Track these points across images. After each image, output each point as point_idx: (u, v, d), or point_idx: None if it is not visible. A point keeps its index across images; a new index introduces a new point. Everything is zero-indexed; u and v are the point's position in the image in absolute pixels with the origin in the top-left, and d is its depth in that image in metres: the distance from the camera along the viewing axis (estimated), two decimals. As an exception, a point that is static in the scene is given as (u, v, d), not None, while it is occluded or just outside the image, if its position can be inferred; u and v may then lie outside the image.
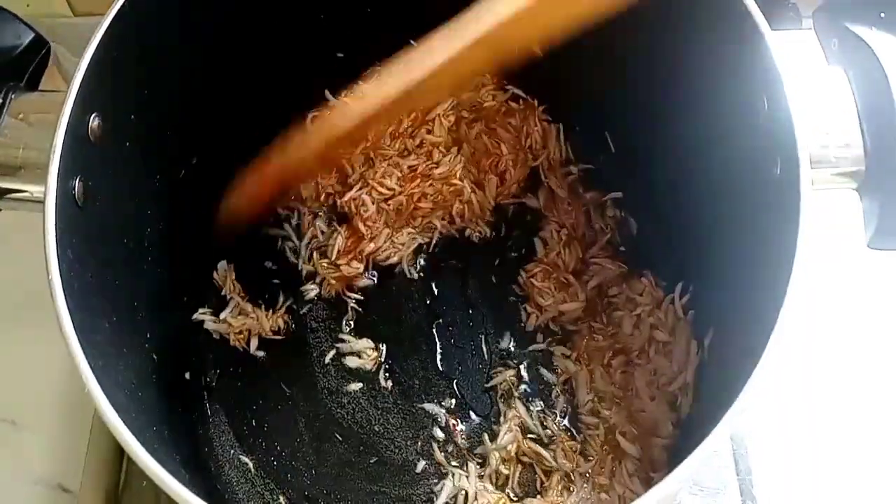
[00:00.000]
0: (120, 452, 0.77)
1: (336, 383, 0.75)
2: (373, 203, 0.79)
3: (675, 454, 0.64)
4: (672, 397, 0.67)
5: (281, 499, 0.69)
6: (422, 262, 0.80)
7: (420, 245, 0.80)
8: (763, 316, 0.45)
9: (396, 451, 0.71)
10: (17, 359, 0.84)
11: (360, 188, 0.80)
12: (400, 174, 0.80)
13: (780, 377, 0.75)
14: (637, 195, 0.77)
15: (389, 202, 0.80)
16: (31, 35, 0.62)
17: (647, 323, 0.71)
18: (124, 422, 0.46)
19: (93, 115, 0.56)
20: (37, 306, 0.78)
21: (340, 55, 0.80)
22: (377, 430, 0.72)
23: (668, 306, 0.70)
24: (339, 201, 0.80)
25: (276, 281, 0.79)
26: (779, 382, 0.74)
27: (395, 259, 0.79)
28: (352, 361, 0.75)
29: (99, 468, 0.76)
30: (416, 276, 0.79)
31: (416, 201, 0.80)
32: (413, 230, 0.80)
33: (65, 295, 0.49)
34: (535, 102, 0.82)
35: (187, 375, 0.74)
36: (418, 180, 0.80)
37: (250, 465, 0.71)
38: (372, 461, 0.71)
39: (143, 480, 0.75)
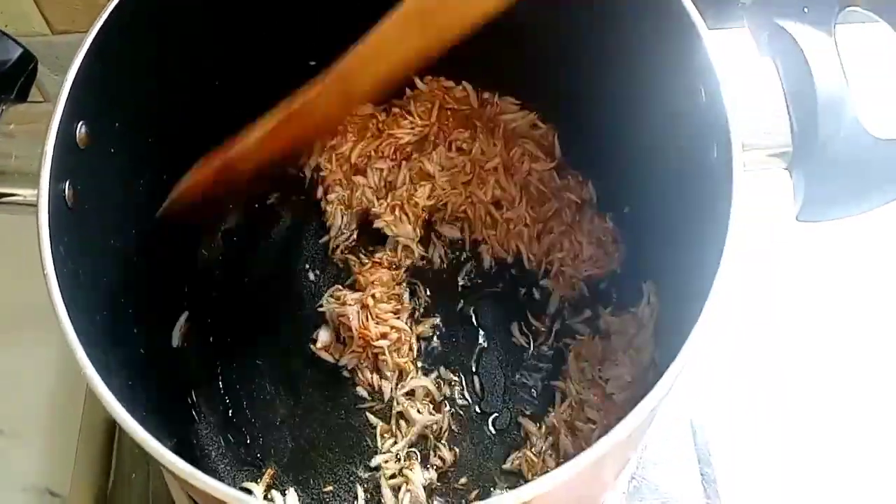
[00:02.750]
0: (108, 454, 0.80)
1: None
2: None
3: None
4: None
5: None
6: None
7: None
8: (701, 282, 0.49)
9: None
10: (4, 368, 0.86)
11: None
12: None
13: (725, 355, 0.79)
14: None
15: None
16: (20, 50, 0.65)
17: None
18: (118, 399, 0.48)
19: (80, 124, 0.59)
20: (23, 318, 0.81)
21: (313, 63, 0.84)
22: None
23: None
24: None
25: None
26: (724, 360, 0.79)
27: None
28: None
29: (88, 471, 0.79)
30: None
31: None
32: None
33: (59, 286, 0.51)
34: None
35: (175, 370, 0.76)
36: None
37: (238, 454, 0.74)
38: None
39: (134, 473, 0.78)
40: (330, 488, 0.72)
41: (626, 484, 0.71)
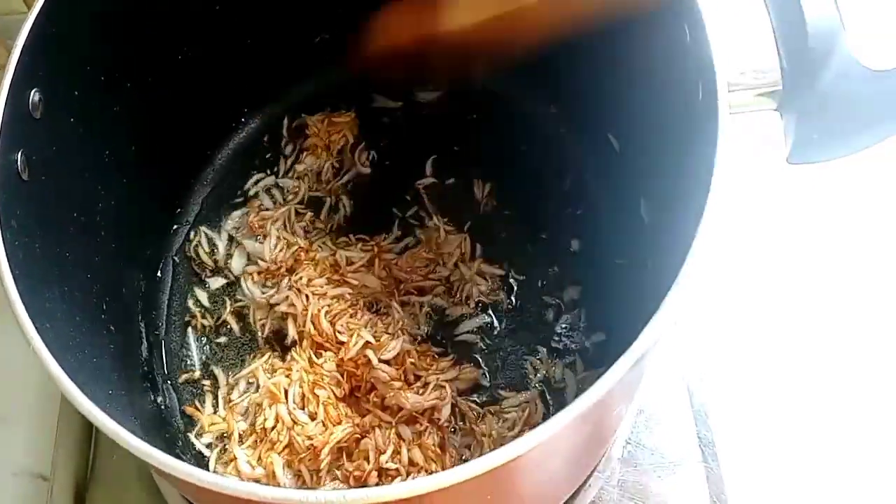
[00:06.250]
0: (89, 437, 0.78)
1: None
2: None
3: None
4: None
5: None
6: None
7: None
8: (686, 229, 0.46)
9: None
10: (-7, 355, 0.85)
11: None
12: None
13: (719, 311, 0.77)
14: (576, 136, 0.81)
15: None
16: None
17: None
18: (75, 383, 0.48)
19: (33, 91, 0.56)
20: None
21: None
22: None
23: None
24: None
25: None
26: (718, 318, 0.77)
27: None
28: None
29: (70, 453, 0.77)
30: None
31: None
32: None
33: (8, 260, 0.49)
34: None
35: (143, 350, 0.74)
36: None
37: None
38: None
39: (114, 455, 0.76)
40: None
41: (621, 449, 0.69)
